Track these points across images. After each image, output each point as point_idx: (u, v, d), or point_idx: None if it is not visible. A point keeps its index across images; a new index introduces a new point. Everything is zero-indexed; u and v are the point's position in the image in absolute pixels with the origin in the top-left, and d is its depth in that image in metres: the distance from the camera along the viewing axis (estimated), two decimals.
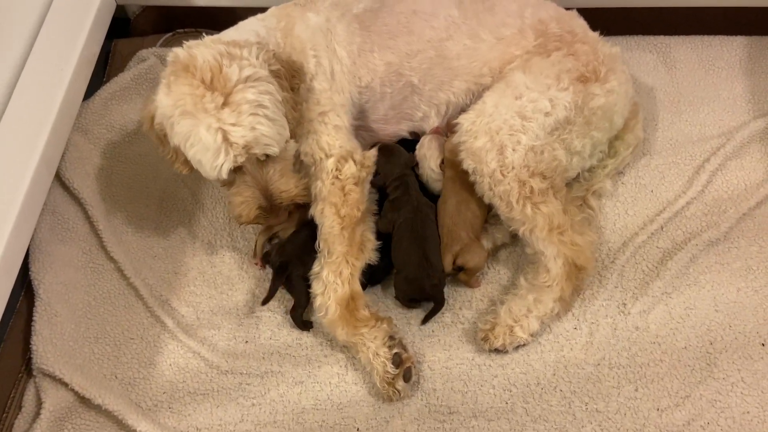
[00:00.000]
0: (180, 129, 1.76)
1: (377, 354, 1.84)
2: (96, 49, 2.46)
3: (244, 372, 1.96)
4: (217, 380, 1.96)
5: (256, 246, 2.15)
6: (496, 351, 1.92)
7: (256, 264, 2.15)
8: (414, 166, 2.17)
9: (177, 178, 2.35)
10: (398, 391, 1.83)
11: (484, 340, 1.93)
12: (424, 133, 2.22)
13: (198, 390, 1.95)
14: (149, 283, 2.15)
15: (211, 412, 1.91)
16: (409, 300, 2.02)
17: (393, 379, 1.83)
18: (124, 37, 2.78)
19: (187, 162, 1.87)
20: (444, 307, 2.03)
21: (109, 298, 2.13)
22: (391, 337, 1.87)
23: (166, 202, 2.33)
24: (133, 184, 2.37)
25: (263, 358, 1.99)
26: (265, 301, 2.03)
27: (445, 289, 2.04)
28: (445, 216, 2.05)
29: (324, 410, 1.89)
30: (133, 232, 2.27)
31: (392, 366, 1.82)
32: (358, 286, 1.93)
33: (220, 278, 2.16)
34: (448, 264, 2.00)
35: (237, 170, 1.83)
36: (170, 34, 2.78)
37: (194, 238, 2.25)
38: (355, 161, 2.00)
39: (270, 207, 1.86)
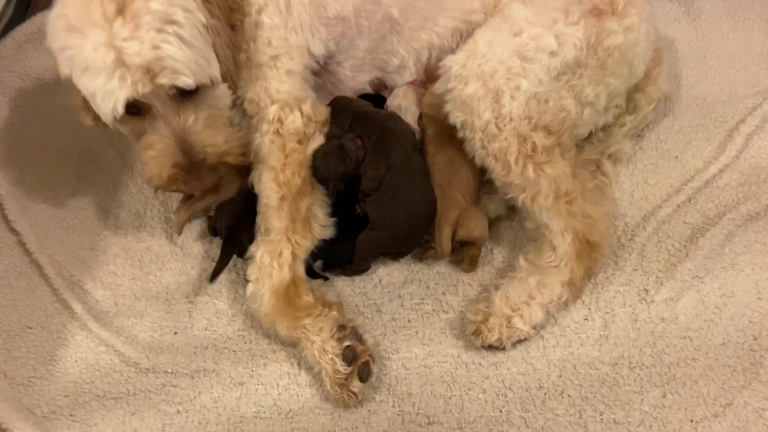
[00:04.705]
0: (65, 50, 1.45)
1: (324, 350, 1.59)
2: None
3: (170, 370, 1.70)
4: (135, 380, 1.70)
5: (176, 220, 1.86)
6: (490, 348, 1.67)
7: None
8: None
9: (102, 137, 2.10)
10: (354, 395, 1.57)
11: (476, 335, 1.67)
12: (393, 89, 1.98)
13: (109, 393, 1.68)
14: (57, 260, 1.89)
15: (123, 421, 1.63)
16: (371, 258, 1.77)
17: (346, 379, 1.57)
18: None
19: (88, 106, 1.55)
20: (423, 293, 1.78)
21: (5, 277, 1.85)
22: (342, 327, 1.61)
23: (86, 163, 2.09)
24: (48, 142, 2.11)
25: (195, 353, 1.73)
26: (213, 276, 1.78)
27: (425, 270, 1.81)
28: (436, 172, 1.78)
29: (269, 419, 1.62)
30: (44, 198, 2.00)
31: (343, 363, 1.56)
32: (300, 270, 1.69)
33: (148, 255, 1.91)
34: (446, 240, 1.73)
35: (147, 113, 1.52)
36: None
37: (119, 207, 2.00)
38: (302, 113, 1.72)
39: (189, 165, 1.55)
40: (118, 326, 1.77)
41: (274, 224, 1.66)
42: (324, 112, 1.77)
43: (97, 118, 1.60)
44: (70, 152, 2.09)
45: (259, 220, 1.69)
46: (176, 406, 1.64)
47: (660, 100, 1.96)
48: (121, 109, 1.44)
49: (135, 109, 1.48)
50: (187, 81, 1.46)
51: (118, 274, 1.86)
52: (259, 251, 1.66)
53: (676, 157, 1.95)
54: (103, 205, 1.99)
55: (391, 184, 1.70)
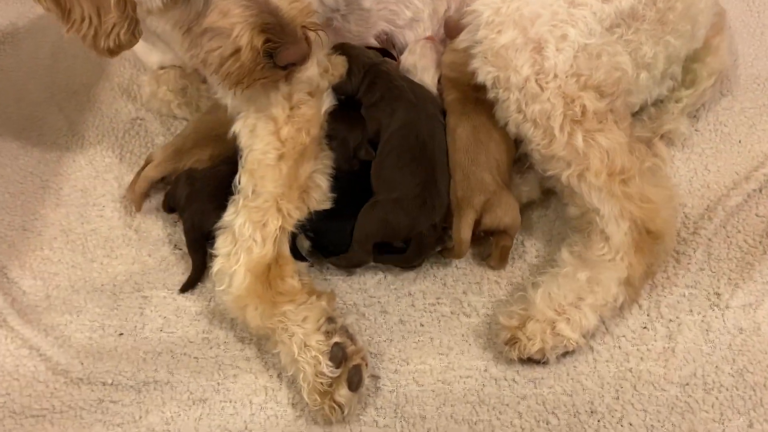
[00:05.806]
0: None
1: (306, 345, 1.30)
2: None
3: (110, 382, 1.39)
4: (63, 394, 1.38)
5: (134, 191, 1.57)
6: (528, 360, 1.37)
7: None
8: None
9: (51, 101, 1.87)
10: (339, 407, 1.29)
11: (511, 344, 1.37)
12: (402, 47, 1.74)
13: (29, 409, 1.36)
14: None
15: None
16: (372, 245, 1.43)
17: (331, 385, 1.29)
18: None
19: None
20: (439, 291, 1.47)
21: None
22: (331, 320, 1.34)
23: (29, 131, 1.82)
24: None
25: (144, 359, 1.41)
26: (186, 287, 1.49)
27: (440, 264, 1.52)
28: (456, 151, 1.49)
29: None
30: None
31: (330, 364, 1.28)
32: (286, 248, 1.42)
33: (93, 239, 1.60)
34: (467, 228, 1.43)
35: None
36: None
37: (62, 181, 1.71)
38: (317, 60, 1.45)
39: (280, 27, 1.27)
40: (48, 324, 1.45)
41: (267, 187, 1.38)
42: (342, 62, 1.51)
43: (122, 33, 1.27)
44: (10, 118, 1.83)
45: (243, 180, 1.39)
46: (116, 428, 1.31)
47: (721, 73, 1.69)
48: None
49: None
50: None
51: (54, 260, 1.56)
52: (239, 218, 1.37)
53: (740, 141, 1.68)
54: (42, 179, 1.70)
55: (395, 146, 1.45)
